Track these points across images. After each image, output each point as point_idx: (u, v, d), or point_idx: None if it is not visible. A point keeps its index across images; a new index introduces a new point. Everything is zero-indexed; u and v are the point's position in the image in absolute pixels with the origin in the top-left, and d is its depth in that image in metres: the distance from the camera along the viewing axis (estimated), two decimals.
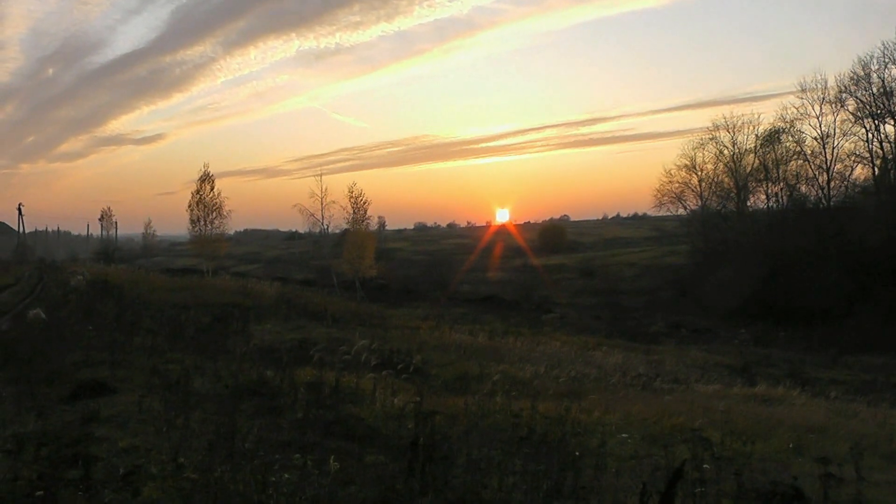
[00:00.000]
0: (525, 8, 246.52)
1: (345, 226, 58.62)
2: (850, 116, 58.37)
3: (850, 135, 58.90)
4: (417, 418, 6.43)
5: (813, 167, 61.34)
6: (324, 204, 57.29)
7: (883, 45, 55.68)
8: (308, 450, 6.11)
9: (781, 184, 63.71)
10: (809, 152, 61.32)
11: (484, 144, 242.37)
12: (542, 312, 52.31)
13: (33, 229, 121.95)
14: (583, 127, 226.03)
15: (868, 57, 56.88)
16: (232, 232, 70.58)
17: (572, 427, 8.10)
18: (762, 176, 65.21)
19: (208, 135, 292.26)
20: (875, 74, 56.00)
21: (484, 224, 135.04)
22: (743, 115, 74.62)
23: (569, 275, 77.23)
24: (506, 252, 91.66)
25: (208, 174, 52.26)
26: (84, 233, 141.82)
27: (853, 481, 6.04)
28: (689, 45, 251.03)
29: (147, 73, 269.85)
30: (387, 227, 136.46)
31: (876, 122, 57.28)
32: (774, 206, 64.84)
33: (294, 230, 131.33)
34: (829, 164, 60.08)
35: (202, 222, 52.12)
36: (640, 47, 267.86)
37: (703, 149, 69.23)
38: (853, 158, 59.28)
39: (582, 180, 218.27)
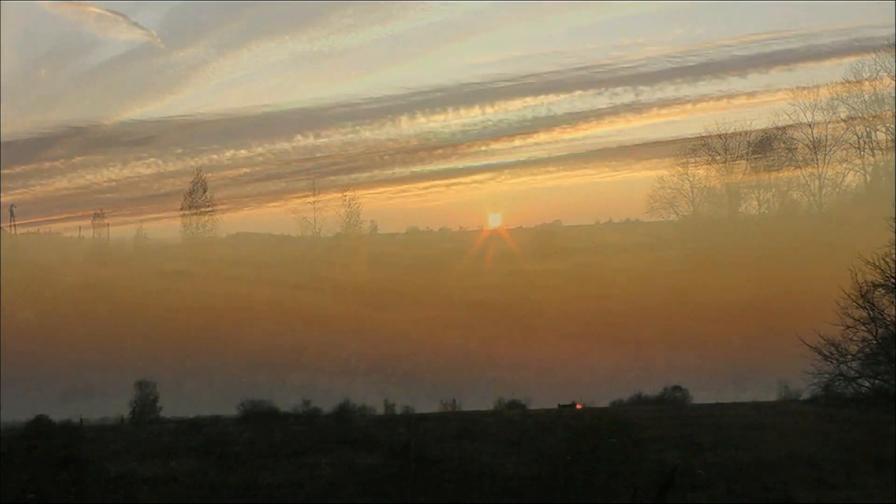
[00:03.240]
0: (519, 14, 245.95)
1: (338, 229, 58.55)
2: (842, 124, 58.62)
3: (842, 142, 59.14)
4: (409, 423, 6.41)
5: (805, 174, 61.56)
6: (317, 208, 57.19)
7: (874, 53, 55.92)
8: (301, 454, 6.09)
9: (773, 190, 63.88)
10: (801, 159, 61.51)
11: (477, 149, 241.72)
12: (535, 317, 52.14)
13: (25, 231, 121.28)
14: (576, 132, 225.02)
15: (860, 65, 57.14)
16: (224, 235, 70.19)
17: (564, 432, 8.11)
18: (754, 182, 65.31)
19: (201, 137, 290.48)
20: (867, 82, 56.29)
21: (476, 228, 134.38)
22: (735, 121, 74.42)
23: (561, 280, 76.90)
24: (498, 256, 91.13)
25: (201, 177, 52.08)
26: (76, 235, 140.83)
27: (845, 486, 6.06)
28: None
29: (140, 74, 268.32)
30: (379, 231, 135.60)
31: (867, 129, 57.54)
32: (766, 212, 64.96)
33: (287, 234, 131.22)
34: (820, 170, 60.30)
35: (194, 225, 51.89)
36: None
37: (696, 155, 69.16)
38: (845, 165, 59.53)
39: (575, 185, 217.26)
